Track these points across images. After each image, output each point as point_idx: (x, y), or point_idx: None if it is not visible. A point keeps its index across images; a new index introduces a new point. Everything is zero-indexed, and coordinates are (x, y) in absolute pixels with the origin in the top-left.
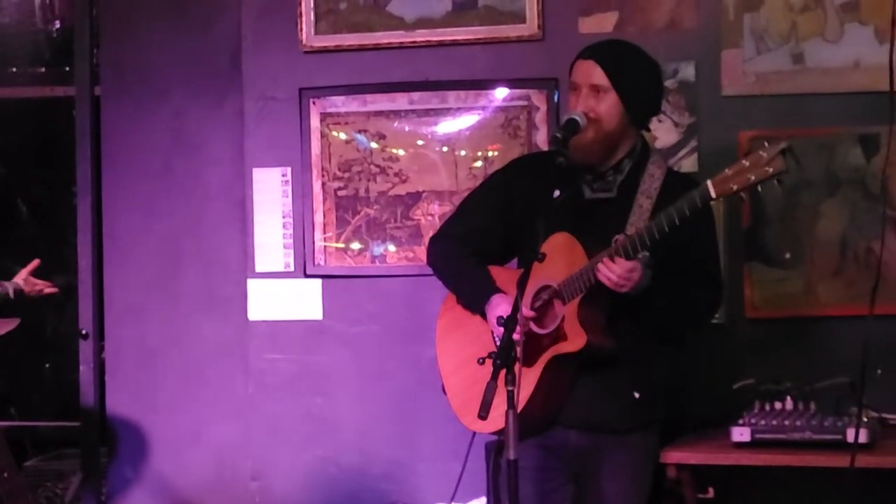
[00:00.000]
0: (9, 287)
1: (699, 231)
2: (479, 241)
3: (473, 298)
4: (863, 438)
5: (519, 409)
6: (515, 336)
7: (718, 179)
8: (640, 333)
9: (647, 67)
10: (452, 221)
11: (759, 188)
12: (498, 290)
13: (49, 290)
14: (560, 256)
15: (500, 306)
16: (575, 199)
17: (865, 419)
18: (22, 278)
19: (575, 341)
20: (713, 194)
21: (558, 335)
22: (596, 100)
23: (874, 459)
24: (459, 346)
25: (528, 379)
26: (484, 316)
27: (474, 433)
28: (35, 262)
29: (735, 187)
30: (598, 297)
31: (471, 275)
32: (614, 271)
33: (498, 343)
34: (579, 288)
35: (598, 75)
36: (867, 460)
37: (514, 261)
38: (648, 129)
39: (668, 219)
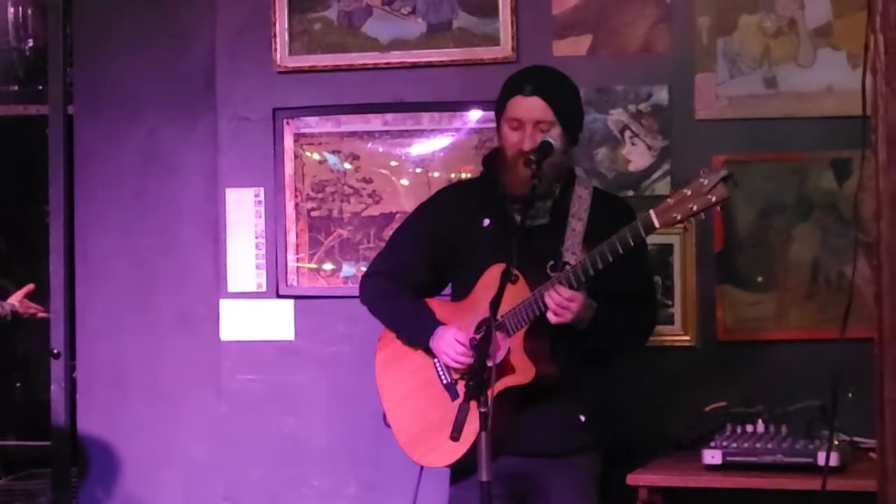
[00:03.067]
0: (6, 307)
1: (629, 251)
2: (410, 275)
3: (415, 335)
4: (834, 461)
5: (467, 446)
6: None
7: (661, 209)
8: (581, 357)
9: (577, 93)
10: (382, 258)
11: (703, 216)
12: (439, 323)
13: (42, 314)
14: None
15: (445, 336)
16: (507, 227)
17: (837, 442)
18: (17, 300)
19: (524, 374)
20: (657, 224)
21: (504, 368)
22: (543, 135)
23: (845, 482)
24: (401, 379)
25: (473, 415)
26: (427, 350)
27: (422, 467)
28: (30, 287)
29: (678, 216)
30: (543, 327)
31: (409, 311)
32: (555, 300)
33: (441, 375)
34: (524, 319)
35: (544, 111)
36: (838, 483)
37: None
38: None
39: (612, 248)
